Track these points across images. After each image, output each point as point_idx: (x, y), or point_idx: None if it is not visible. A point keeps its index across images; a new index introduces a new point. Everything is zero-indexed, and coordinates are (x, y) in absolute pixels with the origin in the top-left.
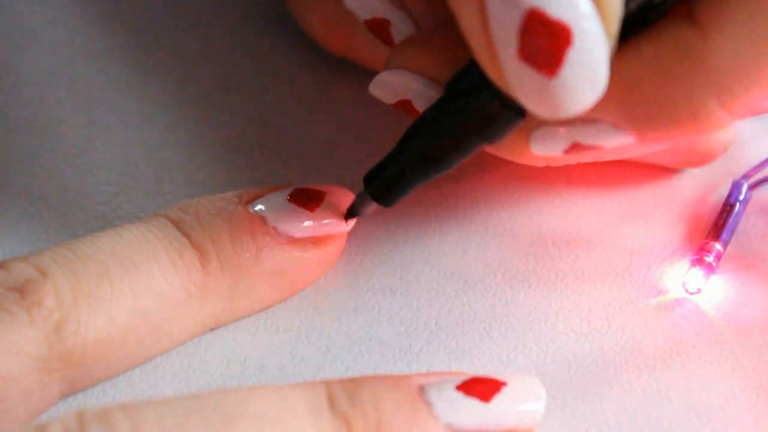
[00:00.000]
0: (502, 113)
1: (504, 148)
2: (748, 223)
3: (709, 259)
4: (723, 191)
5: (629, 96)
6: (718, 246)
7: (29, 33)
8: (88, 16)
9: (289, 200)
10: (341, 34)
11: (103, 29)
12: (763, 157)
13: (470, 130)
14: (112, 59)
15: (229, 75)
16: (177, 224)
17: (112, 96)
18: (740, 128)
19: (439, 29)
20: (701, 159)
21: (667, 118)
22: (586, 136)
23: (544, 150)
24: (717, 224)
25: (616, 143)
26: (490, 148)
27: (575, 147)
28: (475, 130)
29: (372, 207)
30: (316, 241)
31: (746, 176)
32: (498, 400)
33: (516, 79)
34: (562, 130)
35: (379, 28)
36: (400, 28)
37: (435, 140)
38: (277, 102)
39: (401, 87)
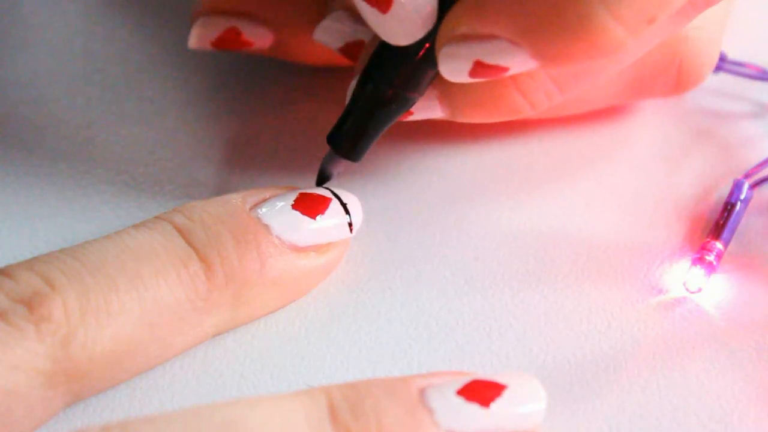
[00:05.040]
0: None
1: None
2: (749, 223)
3: (710, 258)
4: (724, 190)
5: (520, 7)
6: (719, 245)
7: (29, 33)
8: (88, 16)
9: (294, 207)
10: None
11: (103, 29)
12: (764, 156)
13: (417, 63)
14: (112, 59)
15: (229, 74)
16: (183, 233)
17: (112, 96)
18: (741, 128)
19: None
20: (680, 83)
21: (556, 28)
22: (485, 53)
23: (452, 71)
24: (718, 223)
25: (517, 63)
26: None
27: (479, 66)
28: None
29: (341, 165)
30: (319, 248)
31: (747, 175)
32: (499, 403)
33: (365, 14)
34: (462, 47)
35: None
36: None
37: (386, 79)
38: (278, 100)
39: (343, 30)
